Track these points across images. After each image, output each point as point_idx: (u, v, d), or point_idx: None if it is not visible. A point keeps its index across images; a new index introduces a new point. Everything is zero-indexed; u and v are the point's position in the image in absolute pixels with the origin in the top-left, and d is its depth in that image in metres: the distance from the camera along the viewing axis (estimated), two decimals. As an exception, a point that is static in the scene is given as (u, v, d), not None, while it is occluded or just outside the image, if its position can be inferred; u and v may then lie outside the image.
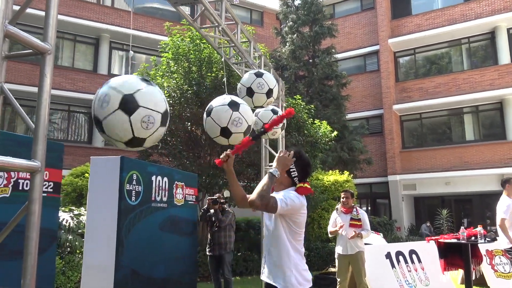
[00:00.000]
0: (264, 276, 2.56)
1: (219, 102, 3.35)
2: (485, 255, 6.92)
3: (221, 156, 2.65)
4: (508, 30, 17.84)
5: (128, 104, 2.00)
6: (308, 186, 2.58)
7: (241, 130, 3.30)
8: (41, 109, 1.73)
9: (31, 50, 1.79)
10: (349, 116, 18.30)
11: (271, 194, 2.46)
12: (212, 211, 6.53)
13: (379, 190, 19.60)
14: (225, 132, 3.29)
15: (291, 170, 2.56)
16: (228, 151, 2.62)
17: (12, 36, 1.62)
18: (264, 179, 2.43)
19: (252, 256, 9.83)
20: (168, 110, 2.24)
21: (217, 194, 6.90)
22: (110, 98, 2.00)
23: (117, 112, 1.98)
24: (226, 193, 10.39)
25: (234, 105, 3.31)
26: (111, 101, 1.99)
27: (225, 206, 6.58)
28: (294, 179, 2.57)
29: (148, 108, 2.05)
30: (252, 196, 2.38)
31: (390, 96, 19.08)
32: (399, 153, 19.00)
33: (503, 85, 17.04)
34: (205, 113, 3.39)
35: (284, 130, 6.84)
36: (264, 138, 6.52)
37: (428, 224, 17.18)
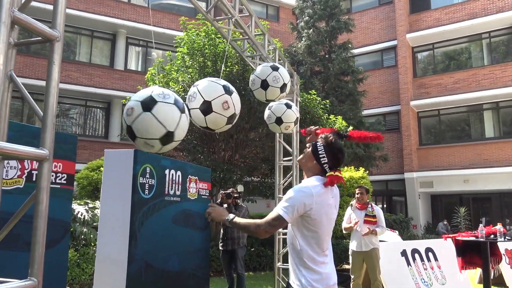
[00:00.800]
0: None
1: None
2: (504, 254, 6.75)
3: (307, 129, 2.66)
4: (531, 24, 17.36)
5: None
6: (340, 174, 2.31)
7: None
8: (50, 96, 1.70)
9: (39, 38, 1.77)
10: (366, 112, 18.09)
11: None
12: (225, 205, 6.53)
13: (395, 187, 19.35)
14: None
15: (321, 156, 2.33)
16: (315, 128, 2.63)
17: (19, 22, 1.60)
18: (239, 229, 2.43)
19: (265, 252, 9.80)
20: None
21: (231, 189, 6.89)
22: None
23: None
24: (240, 188, 10.38)
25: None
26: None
27: (238, 200, 6.58)
28: (324, 166, 2.32)
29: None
30: (253, 235, 2.34)
31: (407, 92, 18.78)
32: (416, 150, 18.71)
33: (525, 81, 16.61)
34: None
35: (298, 125, 6.77)
36: (277, 133, 6.45)
37: (445, 222, 16.89)
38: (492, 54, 18.60)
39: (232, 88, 3.25)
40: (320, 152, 2.34)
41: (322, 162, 2.33)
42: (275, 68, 4.48)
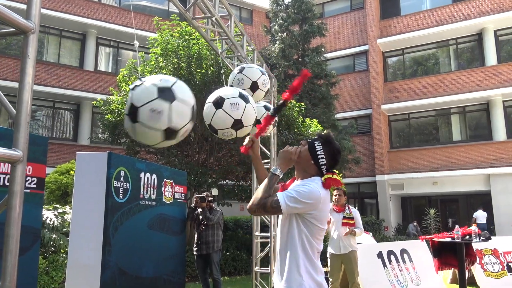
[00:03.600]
0: (276, 281, 2.19)
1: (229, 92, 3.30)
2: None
3: (245, 142, 2.33)
4: (495, 31, 18.04)
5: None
6: (337, 178, 2.17)
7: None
8: (24, 93, 1.57)
9: (12, 29, 1.63)
10: (338, 115, 18.31)
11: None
12: (199, 209, 6.41)
13: (367, 189, 19.65)
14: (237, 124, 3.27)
15: (319, 156, 2.16)
16: (252, 135, 2.32)
17: (-9, 11, 1.46)
18: (265, 180, 2.12)
19: (241, 256, 9.70)
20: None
21: (205, 192, 6.77)
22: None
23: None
24: (214, 191, 10.23)
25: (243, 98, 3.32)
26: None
27: (213, 204, 6.47)
28: (322, 167, 2.16)
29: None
30: (250, 201, 2.10)
31: (378, 96, 19.14)
32: (387, 153, 19.07)
33: (490, 86, 17.23)
34: (212, 104, 3.24)
35: (275, 128, 6.73)
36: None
37: (415, 223, 17.27)
38: (459, 60, 19.22)
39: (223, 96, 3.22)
40: (318, 152, 2.17)
41: (321, 163, 2.16)
42: (240, 70, 4.33)
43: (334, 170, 2.24)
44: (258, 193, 2.09)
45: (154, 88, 2.08)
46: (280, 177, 2.17)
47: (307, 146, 2.22)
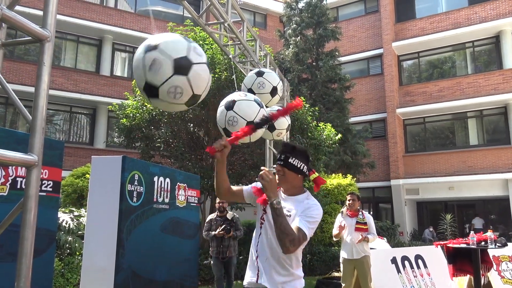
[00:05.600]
0: (265, 282, 2.26)
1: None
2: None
3: (215, 145, 2.25)
4: (513, 34, 17.74)
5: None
6: (319, 176, 2.36)
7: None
8: (39, 99, 1.62)
9: (29, 38, 1.68)
10: (352, 119, 18.20)
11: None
12: (213, 216, 6.48)
13: (381, 194, 19.45)
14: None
15: (299, 166, 2.27)
16: (224, 140, 2.26)
17: (9, 20, 1.51)
18: (277, 220, 2.09)
19: (254, 260, 9.68)
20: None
21: (219, 201, 6.61)
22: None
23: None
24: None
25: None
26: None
27: (228, 214, 6.48)
28: (306, 172, 2.32)
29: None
30: (282, 244, 2.09)
31: (393, 100, 18.97)
32: (402, 157, 18.87)
33: (508, 90, 16.92)
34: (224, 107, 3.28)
35: (288, 132, 6.73)
36: (268, 139, 6.40)
37: (431, 229, 17.02)
38: (476, 63, 18.94)
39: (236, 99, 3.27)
40: (296, 164, 2.28)
41: (304, 170, 2.30)
42: (259, 74, 4.38)
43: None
44: (287, 234, 2.07)
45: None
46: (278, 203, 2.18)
47: (285, 168, 2.30)
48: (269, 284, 2.24)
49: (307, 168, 2.32)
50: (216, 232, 6.26)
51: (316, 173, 2.34)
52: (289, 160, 2.27)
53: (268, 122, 2.47)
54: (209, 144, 9.99)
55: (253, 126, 2.38)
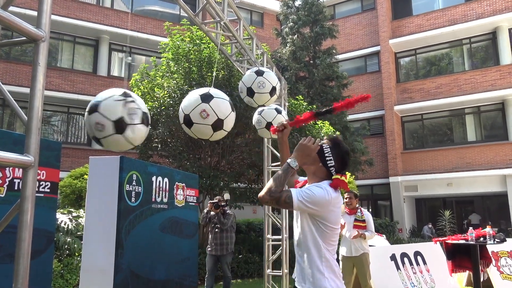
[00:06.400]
0: (297, 283, 2.22)
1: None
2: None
3: (276, 125, 2.41)
4: (509, 30, 17.77)
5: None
6: (345, 180, 2.16)
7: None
8: (35, 100, 1.61)
9: (23, 38, 1.67)
10: (350, 117, 18.19)
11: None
12: (213, 213, 6.57)
13: (380, 191, 19.48)
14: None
15: (328, 159, 2.17)
16: (286, 121, 2.41)
17: (2, 20, 1.51)
18: (279, 172, 2.09)
19: (253, 259, 9.70)
20: None
21: (217, 197, 6.87)
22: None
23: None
24: (226, 196, 10.25)
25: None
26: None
27: (226, 208, 6.63)
28: (331, 169, 2.17)
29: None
30: (264, 188, 2.07)
31: (391, 97, 18.99)
32: (400, 154, 18.89)
33: (505, 86, 16.95)
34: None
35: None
36: (266, 138, 6.40)
37: (430, 225, 17.07)
38: (473, 59, 18.97)
39: (212, 94, 3.16)
40: (326, 155, 2.18)
41: (329, 165, 2.17)
42: (259, 73, 4.37)
43: (346, 173, 2.27)
44: (272, 183, 2.05)
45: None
46: (296, 170, 2.16)
47: (316, 150, 2.22)
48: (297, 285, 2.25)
49: (336, 168, 2.18)
50: (209, 203, 6.61)
51: (343, 177, 2.18)
52: (323, 146, 2.21)
53: (330, 112, 2.42)
54: (207, 144, 9.98)
55: (314, 112, 2.43)
